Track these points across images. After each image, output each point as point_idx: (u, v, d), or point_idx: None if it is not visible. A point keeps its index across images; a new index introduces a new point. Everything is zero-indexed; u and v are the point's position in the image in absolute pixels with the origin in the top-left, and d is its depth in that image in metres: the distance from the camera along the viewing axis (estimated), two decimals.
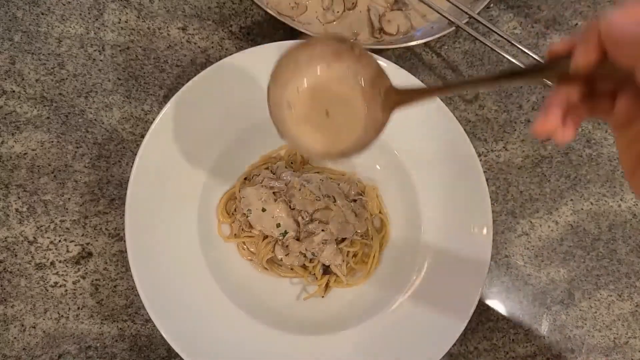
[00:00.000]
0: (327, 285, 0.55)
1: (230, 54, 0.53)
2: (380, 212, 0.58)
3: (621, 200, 0.64)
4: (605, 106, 0.29)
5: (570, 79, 0.28)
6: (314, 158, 0.42)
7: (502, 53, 0.58)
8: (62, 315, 0.53)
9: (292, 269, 0.55)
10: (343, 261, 0.55)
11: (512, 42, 0.58)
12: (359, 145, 0.39)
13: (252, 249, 0.56)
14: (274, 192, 0.54)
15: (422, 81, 0.55)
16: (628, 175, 0.29)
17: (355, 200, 0.56)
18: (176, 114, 0.51)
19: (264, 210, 0.53)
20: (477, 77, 0.32)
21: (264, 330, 0.51)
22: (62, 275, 0.54)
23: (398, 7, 0.65)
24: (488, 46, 0.58)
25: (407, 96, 0.37)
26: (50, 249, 0.55)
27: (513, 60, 0.58)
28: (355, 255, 0.56)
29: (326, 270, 0.55)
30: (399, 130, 0.56)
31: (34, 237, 0.55)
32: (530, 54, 0.58)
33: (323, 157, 0.41)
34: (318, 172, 0.58)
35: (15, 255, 0.54)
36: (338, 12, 0.63)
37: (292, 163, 0.59)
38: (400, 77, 0.55)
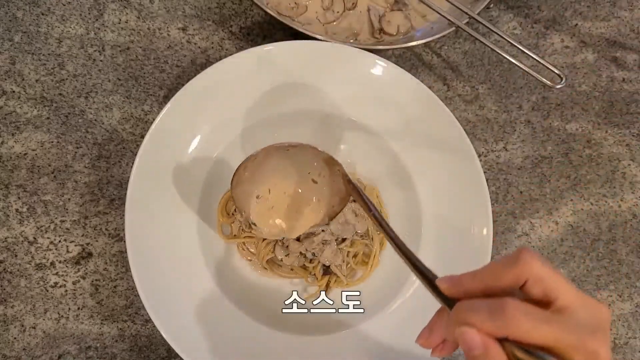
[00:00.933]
0: (327, 286, 0.55)
1: (231, 54, 0.53)
2: (381, 212, 0.58)
3: (621, 200, 0.64)
4: None
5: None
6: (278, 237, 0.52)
7: (502, 53, 0.58)
8: (62, 316, 0.53)
9: (292, 269, 0.55)
10: (343, 261, 0.55)
11: (512, 42, 0.58)
12: (328, 217, 0.49)
13: (252, 250, 0.56)
14: None
15: (422, 81, 0.55)
16: None
17: (355, 201, 0.56)
18: (176, 115, 0.51)
19: None
20: (397, 242, 0.37)
21: (264, 330, 0.51)
22: (62, 275, 0.54)
23: (398, 8, 0.65)
24: (488, 46, 0.58)
25: (355, 192, 0.44)
26: (50, 249, 0.55)
27: (513, 61, 0.58)
28: (355, 256, 0.56)
29: (326, 270, 0.55)
30: (399, 131, 0.56)
31: (34, 238, 0.55)
32: (530, 54, 0.58)
33: (292, 235, 0.51)
34: None
35: (15, 256, 0.54)
36: (338, 12, 0.63)
37: None
38: (400, 77, 0.55)
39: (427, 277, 0.32)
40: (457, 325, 0.27)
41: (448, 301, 0.30)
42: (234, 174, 0.46)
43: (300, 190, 0.49)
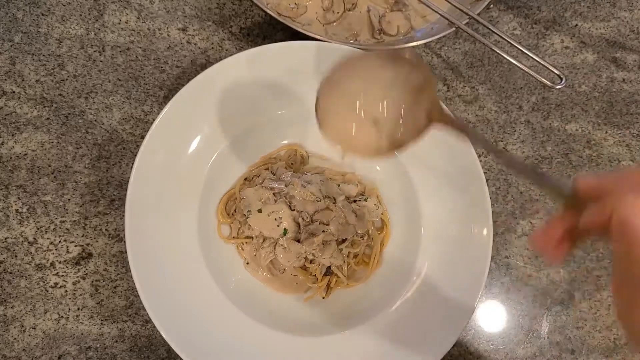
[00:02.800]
0: (328, 287, 0.55)
1: (231, 55, 0.53)
2: (381, 213, 0.58)
3: None
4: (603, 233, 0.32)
5: (577, 214, 0.31)
6: (354, 154, 0.46)
7: (502, 54, 0.57)
8: (62, 316, 0.53)
9: (294, 274, 0.55)
10: (344, 262, 0.55)
11: (512, 42, 0.58)
12: (398, 144, 0.43)
13: (254, 253, 0.56)
14: (274, 193, 0.54)
15: None
16: (613, 290, 0.32)
17: (355, 201, 0.56)
18: (176, 115, 0.51)
19: (263, 211, 0.53)
20: (512, 158, 0.37)
21: (264, 331, 0.51)
22: (62, 276, 0.54)
23: (398, 8, 0.65)
24: (488, 47, 0.58)
25: (446, 118, 0.41)
26: (50, 250, 0.55)
27: (513, 61, 0.57)
28: (356, 256, 0.56)
29: (327, 271, 0.55)
30: None
31: (34, 238, 0.55)
32: (530, 54, 0.58)
33: (367, 154, 0.44)
34: (318, 173, 0.58)
35: (15, 256, 0.54)
36: (338, 12, 0.63)
37: (292, 164, 0.59)
38: None
39: (557, 181, 0.33)
40: (616, 207, 0.28)
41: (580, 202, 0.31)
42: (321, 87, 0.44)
43: (378, 112, 0.44)
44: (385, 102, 0.43)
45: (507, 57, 0.57)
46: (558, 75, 0.57)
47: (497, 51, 0.58)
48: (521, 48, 0.58)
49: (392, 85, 0.43)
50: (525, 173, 0.35)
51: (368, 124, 0.43)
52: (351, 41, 0.63)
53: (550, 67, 0.58)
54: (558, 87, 0.57)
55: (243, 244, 0.55)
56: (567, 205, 0.32)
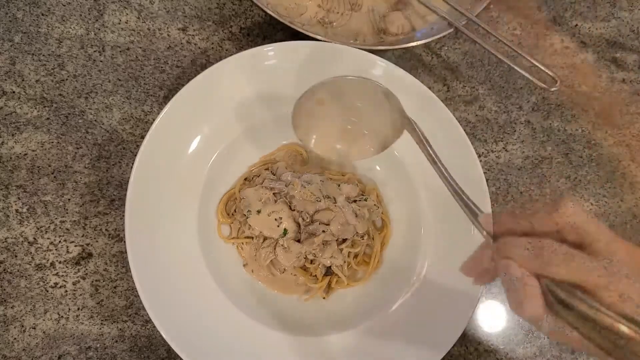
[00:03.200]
0: (329, 287, 0.55)
1: (231, 55, 0.53)
2: (382, 212, 0.58)
3: (621, 201, 0.64)
4: None
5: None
6: (340, 160, 0.54)
7: (498, 55, 0.58)
8: (62, 316, 0.53)
9: (293, 274, 0.55)
10: (344, 262, 0.55)
11: (508, 44, 0.58)
12: (382, 147, 0.49)
13: (254, 254, 0.56)
14: (274, 193, 0.54)
15: (422, 82, 0.55)
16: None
17: (355, 201, 0.56)
18: (176, 115, 0.51)
19: (263, 211, 0.53)
20: (446, 175, 0.41)
21: (264, 331, 0.51)
22: (62, 276, 0.54)
23: (399, 8, 0.65)
24: (485, 48, 0.58)
25: (409, 126, 0.45)
26: (50, 250, 0.55)
27: (508, 63, 0.57)
28: (356, 256, 0.56)
29: (327, 271, 0.55)
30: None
31: (34, 238, 0.55)
32: (525, 56, 0.58)
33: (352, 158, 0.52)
34: (318, 173, 0.58)
35: (15, 256, 0.54)
36: (339, 12, 0.63)
37: (292, 164, 0.59)
38: (400, 78, 0.55)
39: (473, 212, 0.36)
40: (500, 258, 0.31)
41: (491, 236, 0.34)
42: (294, 110, 0.49)
43: (355, 120, 0.50)
44: (355, 115, 0.49)
45: (503, 58, 0.57)
46: (552, 78, 0.57)
47: (493, 52, 0.58)
48: (516, 49, 0.58)
49: (359, 101, 0.49)
50: (454, 193, 0.39)
51: (349, 136, 0.50)
52: (352, 41, 0.63)
53: (544, 69, 0.58)
54: (552, 89, 0.57)
55: (243, 244, 0.55)
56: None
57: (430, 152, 0.43)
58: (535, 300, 0.29)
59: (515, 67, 0.57)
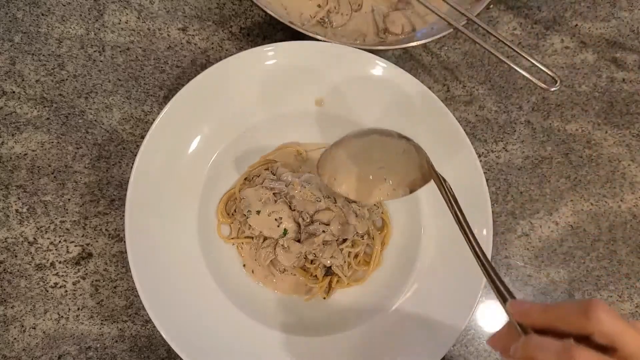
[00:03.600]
0: (329, 287, 0.55)
1: (231, 55, 0.53)
2: (382, 212, 0.58)
3: (621, 201, 0.64)
4: None
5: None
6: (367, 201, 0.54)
7: (498, 55, 0.57)
8: (62, 316, 0.53)
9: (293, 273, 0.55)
10: (345, 262, 0.55)
11: (508, 44, 0.58)
12: (410, 189, 0.51)
13: (254, 254, 0.56)
14: (274, 193, 0.54)
15: (422, 82, 0.55)
16: None
17: (355, 201, 0.56)
18: (176, 115, 0.51)
19: (263, 211, 0.53)
20: (479, 252, 0.40)
21: (264, 331, 0.51)
22: (62, 276, 0.54)
23: (400, 8, 0.65)
24: (484, 48, 0.58)
25: (436, 178, 0.46)
26: (50, 250, 0.55)
27: (508, 63, 0.57)
28: (356, 256, 0.56)
29: (328, 271, 0.55)
30: (399, 131, 0.56)
31: (34, 238, 0.55)
32: (525, 56, 0.58)
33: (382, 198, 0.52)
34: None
35: (15, 256, 0.54)
36: (339, 12, 0.63)
37: (291, 163, 0.59)
38: (400, 78, 0.55)
39: (502, 296, 0.35)
40: (524, 355, 0.30)
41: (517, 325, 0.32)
42: (321, 158, 0.50)
43: (381, 171, 0.51)
44: (383, 166, 0.51)
45: (503, 58, 0.57)
46: (552, 78, 0.57)
47: (493, 52, 0.57)
48: (516, 49, 0.58)
49: (388, 152, 0.50)
50: (485, 271, 0.37)
51: (372, 181, 0.51)
52: (357, 42, 0.63)
53: (545, 69, 0.57)
54: (552, 89, 0.57)
55: (243, 244, 0.55)
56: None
57: (460, 217, 0.42)
58: None
59: (515, 67, 0.57)
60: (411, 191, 0.50)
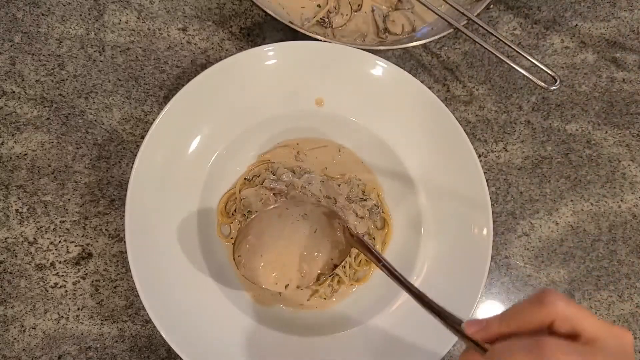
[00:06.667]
0: (331, 287, 0.55)
1: (231, 55, 0.53)
2: (382, 212, 0.58)
3: (621, 201, 0.64)
4: None
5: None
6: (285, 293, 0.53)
7: (498, 55, 0.57)
8: (62, 316, 0.53)
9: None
10: (345, 262, 0.54)
11: (508, 44, 0.58)
12: (328, 268, 0.50)
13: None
14: (274, 193, 0.54)
15: (422, 82, 0.55)
16: None
17: (355, 201, 0.56)
18: (176, 115, 0.51)
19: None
20: (414, 290, 0.38)
21: (264, 331, 0.51)
22: (62, 276, 0.54)
23: (400, 8, 0.65)
24: (485, 48, 0.58)
25: (358, 245, 0.46)
26: (50, 250, 0.55)
27: (508, 62, 0.57)
28: (357, 256, 0.56)
29: None
30: (400, 132, 0.56)
31: (34, 238, 0.55)
32: (525, 55, 0.58)
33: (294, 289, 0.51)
34: (318, 173, 0.58)
35: (15, 256, 0.54)
36: (339, 13, 0.63)
37: (289, 162, 0.59)
38: (400, 78, 0.55)
39: (453, 324, 0.34)
40: None
41: (477, 343, 0.31)
42: (233, 251, 0.48)
43: (300, 249, 0.50)
44: (301, 242, 0.50)
45: (503, 58, 0.57)
46: (552, 77, 0.57)
47: (493, 52, 0.58)
48: (516, 49, 0.58)
49: (310, 227, 0.49)
50: (426, 307, 0.36)
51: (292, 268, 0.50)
52: (352, 41, 0.63)
53: (545, 68, 0.57)
54: (552, 88, 0.57)
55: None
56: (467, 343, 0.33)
57: (389, 267, 0.41)
58: None
59: (515, 67, 0.57)
60: (332, 269, 0.50)
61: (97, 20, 0.62)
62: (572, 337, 0.29)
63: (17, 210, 0.55)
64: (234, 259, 0.48)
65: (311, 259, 0.50)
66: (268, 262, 0.49)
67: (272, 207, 0.48)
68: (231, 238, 0.55)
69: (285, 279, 0.49)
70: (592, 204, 0.64)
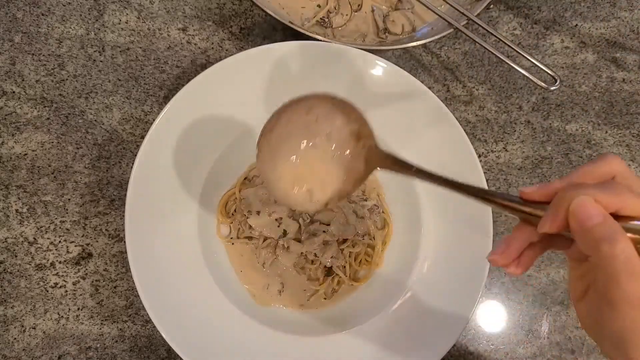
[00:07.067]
0: (332, 289, 0.55)
1: (231, 55, 0.53)
2: (382, 212, 0.58)
3: None
4: (563, 244, 0.32)
5: (534, 224, 0.30)
6: (296, 208, 0.45)
7: (498, 54, 0.57)
8: (62, 316, 0.53)
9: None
10: (345, 262, 0.55)
11: (508, 43, 0.58)
12: (339, 195, 0.43)
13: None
14: None
15: (422, 82, 0.55)
16: (574, 302, 0.32)
17: (355, 201, 0.56)
18: (176, 115, 0.51)
19: (263, 211, 0.53)
20: (461, 184, 0.35)
21: (264, 331, 0.51)
22: (62, 276, 0.54)
23: (400, 8, 0.65)
24: (485, 47, 0.58)
25: (388, 162, 0.40)
26: (50, 250, 0.55)
27: (508, 62, 0.57)
28: (357, 256, 0.56)
29: (329, 272, 0.55)
30: (399, 132, 0.56)
31: (34, 238, 0.55)
32: (525, 55, 0.58)
33: (305, 209, 0.45)
34: None
35: (15, 256, 0.54)
36: (339, 12, 0.63)
37: None
38: (400, 78, 0.55)
39: (508, 198, 0.31)
40: (568, 202, 0.28)
41: (534, 214, 0.30)
42: (257, 156, 0.43)
43: (316, 167, 0.44)
44: (323, 158, 0.43)
45: (503, 58, 0.57)
46: (552, 77, 0.57)
47: (493, 52, 0.57)
48: (516, 48, 0.58)
49: (333, 135, 0.43)
50: (477, 198, 0.34)
51: (305, 185, 0.44)
52: (352, 41, 0.63)
53: (544, 68, 0.57)
54: (552, 88, 0.57)
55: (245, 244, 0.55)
56: (522, 218, 0.31)
57: (424, 170, 0.39)
58: (623, 235, 0.26)
59: (515, 67, 0.57)
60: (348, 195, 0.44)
61: (97, 20, 0.62)
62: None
63: (17, 210, 0.55)
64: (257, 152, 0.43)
65: (325, 181, 0.44)
66: (282, 169, 0.43)
67: (303, 106, 0.42)
68: (231, 238, 0.56)
69: (295, 191, 0.43)
70: None
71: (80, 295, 0.54)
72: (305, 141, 0.43)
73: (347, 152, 0.43)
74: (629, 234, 0.27)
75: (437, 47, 0.67)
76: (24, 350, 0.52)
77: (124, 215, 0.48)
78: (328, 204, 0.43)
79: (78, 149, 0.58)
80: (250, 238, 0.55)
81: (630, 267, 0.26)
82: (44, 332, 0.53)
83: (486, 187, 0.52)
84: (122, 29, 0.62)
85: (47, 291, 0.54)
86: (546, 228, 0.29)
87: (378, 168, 0.41)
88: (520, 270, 0.32)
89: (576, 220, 0.27)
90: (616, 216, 0.28)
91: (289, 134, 0.43)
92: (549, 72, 0.57)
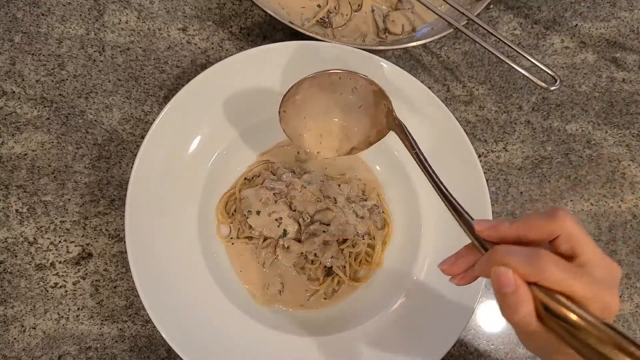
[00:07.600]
0: (332, 289, 0.55)
1: (231, 55, 0.53)
2: (383, 212, 0.58)
3: (621, 201, 0.64)
4: None
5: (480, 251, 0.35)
6: (322, 154, 0.52)
7: (498, 54, 0.57)
8: (62, 316, 0.53)
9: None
10: (345, 262, 0.55)
11: (508, 44, 0.58)
12: (364, 143, 0.49)
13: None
14: (274, 193, 0.54)
15: (422, 82, 0.55)
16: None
17: (355, 201, 0.56)
18: (176, 115, 0.51)
19: (263, 211, 0.53)
20: (438, 183, 0.40)
21: (264, 331, 0.51)
22: (62, 276, 0.54)
23: (400, 8, 0.65)
24: (485, 48, 0.58)
25: (400, 130, 0.45)
26: (50, 250, 0.55)
27: (508, 62, 0.57)
28: (357, 256, 0.56)
29: (329, 271, 0.55)
30: None
31: (34, 238, 0.55)
32: (525, 55, 0.58)
33: (332, 156, 0.51)
34: (318, 173, 0.57)
35: (15, 256, 0.54)
36: (339, 13, 0.63)
37: (290, 161, 0.59)
38: (400, 78, 0.55)
39: (465, 219, 0.35)
40: (493, 264, 0.31)
41: (482, 242, 0.34)
42: (280, 106, 0.47)
43: (342, 119, 0.50)
44: (344, 113, 0.50)
45: (503, 58, 0.57)
46: (552, 77, 0.57)
47: (493, 52, 0.57)
48: (516, 49, 0.58)
49: (350, 98, 0.48)
50: (446, 201, 0.38)
51: (333, 132, 0.50)
52: (352, 41, 0.63)
53: (545, 68, 0.57)
54: (552, 88, 0.57)
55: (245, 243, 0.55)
56: (472, 243, 0.35)
57: (420, 157, 0.42)
58: (528, 305, 0.30)
59: (515, 67, 0.57)
60: (367, 146, 0.49)
61: (97, 20, 0.62)
62: (569, 258, 0.31)
63: (17, 210, 0.55)
64: (279, 112, 0.47)
65: (350, 131, 0.50)
66: (309, 123, 0.49)
67: (330, 71, 0.47)
68: (231, 238, 0.56)
69: (322, 142, 0.50)
70: (592, 204, 0.64)
71: (80, 295, 0.54)
72: (332, 93, 0.48)
73: (371, 103, 0.47)
74: (541, 293, 0.30)
75: (437, 47, 0.67)
76: (24, 350, 0.52)
77: (124, 215, 0.48)
78: (353, 150, 0.49)
79: (78, 149, 0.58)
80: (250, 238, 0.55)
81: (528, 329, 0.30)
82: (44, 332, 0.53)
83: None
84: (122, 29, 0.62)
85: (47, 291, 0.54)
86: (477, 273, 0.35)
87: (391, 132, 0.46)
88: (464, 282, 0.37)
89: (494, 284, 0.31)
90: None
91: (316, 92, 0.48)
92: (549, 72, 0.57)
